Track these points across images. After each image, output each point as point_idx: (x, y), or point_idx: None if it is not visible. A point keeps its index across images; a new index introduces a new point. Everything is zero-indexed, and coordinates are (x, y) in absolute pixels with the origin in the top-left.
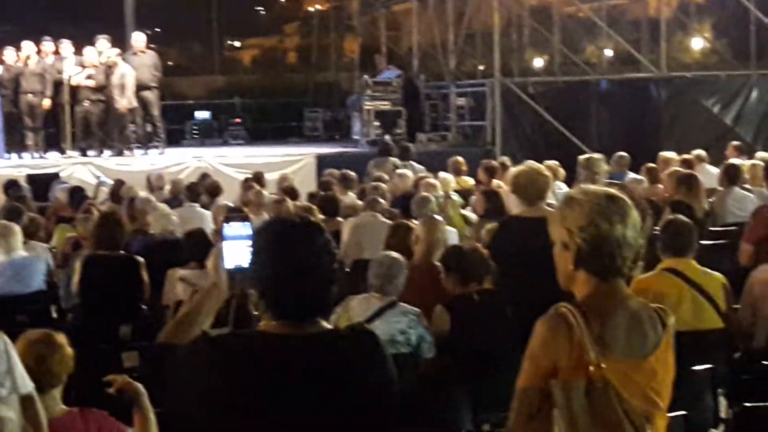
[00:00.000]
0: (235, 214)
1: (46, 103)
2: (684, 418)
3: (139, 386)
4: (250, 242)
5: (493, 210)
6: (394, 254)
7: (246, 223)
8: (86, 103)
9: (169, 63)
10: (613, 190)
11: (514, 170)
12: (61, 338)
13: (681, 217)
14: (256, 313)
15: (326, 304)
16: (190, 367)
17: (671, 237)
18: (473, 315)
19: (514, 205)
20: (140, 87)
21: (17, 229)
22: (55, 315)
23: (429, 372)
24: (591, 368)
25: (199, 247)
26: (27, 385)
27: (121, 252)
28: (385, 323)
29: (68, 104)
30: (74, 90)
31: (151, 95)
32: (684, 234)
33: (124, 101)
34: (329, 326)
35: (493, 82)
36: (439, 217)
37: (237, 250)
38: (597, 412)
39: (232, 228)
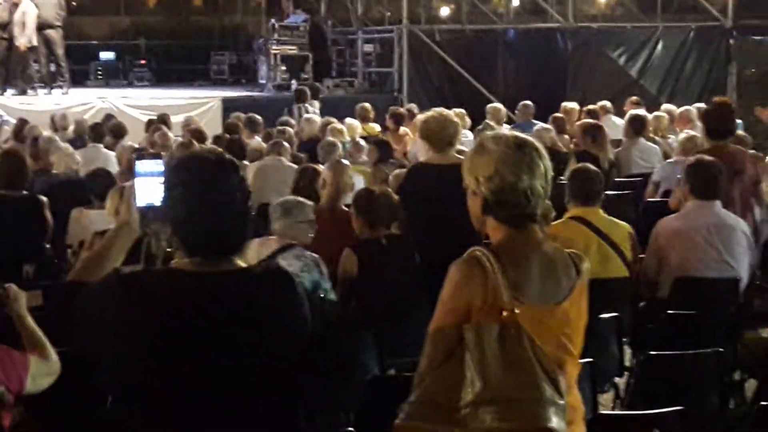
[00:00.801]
0: (146, 151)
1: None
2: (591, 366)
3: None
4: (162, 179)
5: (383, 158)
6: (297, 198)
7: (158, 160)
8: None
9: (74, 3)
10: (525, 137)
11: (423, 116)
12: None
13: (588, 165)
14: (169, 250)
15: (240, 242)
16: (101, 304)
17: (578, 186)
18: (381, 259)
19: (422, 152)
20: (44, 25)
21: None
22: None
23: (335, 315)
24: (504, 313)
25: (104, 186)
26: None
27: (24, 191)
28: None
29: None
30: None
31: (54, 34)
32: (591, 183)
33: (24, 39)
34: (243, 265)
35: (400, 29)
36: (346, 162)
37: (148, 188)
38: (509, 356)
39: (144, 165)
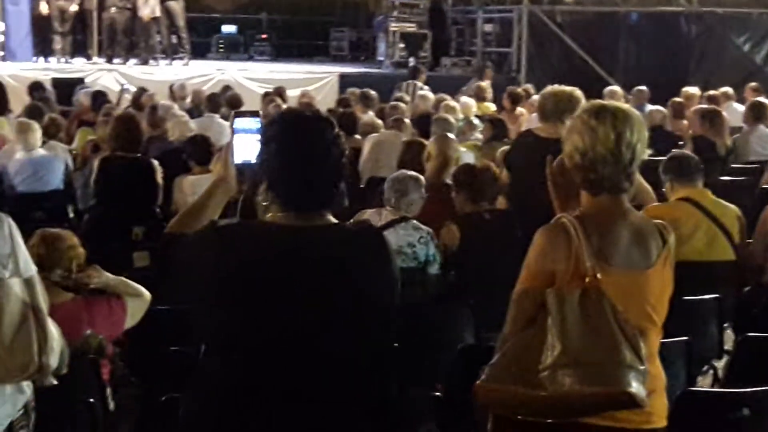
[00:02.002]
0: (245, 110)
1: (74, 8)
2: (687, 345)
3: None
4: (259, 137)
5: (496, 137)
6: (412, 173)
7: (256, 118)
8: (113, 10)
9: None
10: (605, 104)
11: (546, 88)
12: (71, 238)
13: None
14: (265, 204)
15: (333, 197)
16: (196, 254)
17: (679, 167)
18: (483, 233)
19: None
20: None
21: (36, 126)
22: (71, 215)
23: (434, 286)
24: (587, 278)
25: (202, 152)
26: (30, 269)
27: (138, 155)
28: (395, 235)
29: (95, 10)
30: None
31: (176, 5)
32: (690, 163)
33: (147, 10)
34: (335, 221)
35: (521, 9)
36: (452, 136)
37: (246, 145)
38: (589, 321)
39: (242, 122)
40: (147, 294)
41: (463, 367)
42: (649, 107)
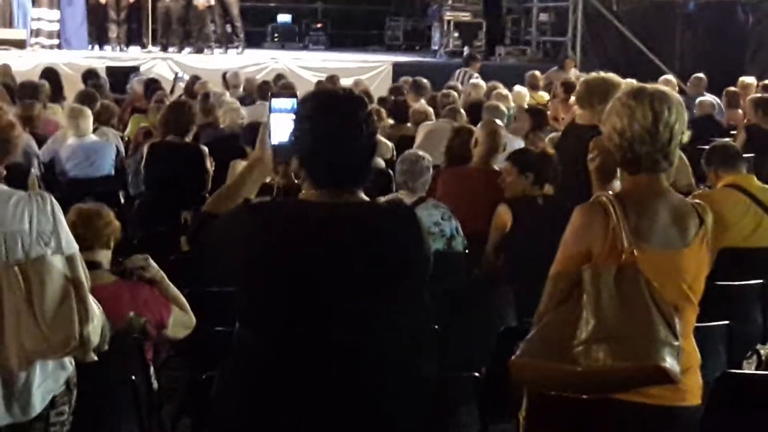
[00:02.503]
0: (283, 90)
1: None
2: (728, 329)
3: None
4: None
5: (537, 126)
6: (420, 152)
7: (293, 99)
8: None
9: None
10: (645, 86)
11: (587, 76)
12: (109, 214)
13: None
14: (297, 181)
15: (365, 176)
16: (230, 231)
17: (721, 155)
18: (535, 217)
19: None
20: None
21: (88, 112)
22: (122, 201)
23: (481, 269)
24: (623, 256)
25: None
26: (71, 246)
27: (187, 141)
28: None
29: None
30: None
31: None
32: (732, 150)
33: None
34: (367, 198)
35: None
36: (500, 122)
37: (283, 126)
38: (625, 297)
39: (279, 102)
40: (193, 320)
41: (505, 349)
42: (704, 97)
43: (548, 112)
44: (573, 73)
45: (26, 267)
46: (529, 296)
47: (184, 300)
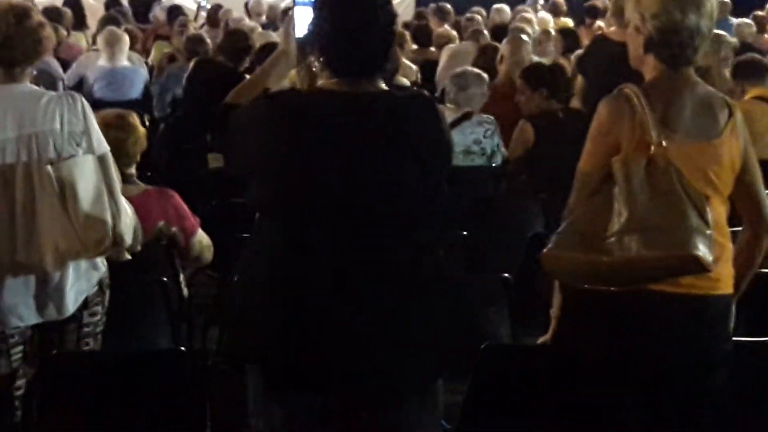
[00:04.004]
0: None
1: None
2: None
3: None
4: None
5: (569, 48)
6: (474, 69)
7: None
8: None
9: None
10: None
11: None
12: (134, 118)
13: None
14: (315, 70)
15: (383, 63)
16: (250, 121)
17: (748, 68)
18: (556, 131)
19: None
20: None
21: (126, 39)
22: (147, 124)
23: (507, 182)
24: (652, 147)
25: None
26: (103, 146)
27: (233, 66)
28: (461, 134)
29: None
30: None
31: None
32: (759, 63)
33: None
34: (386, 87)
35: None
36: (525, 37)
37: (307, 18)
38: (656, 189)
39: None
40: (211, 250)
41: (534, 253)
42: (734, 20)
43: None
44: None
45: (58, 166)
46: (557, 207)
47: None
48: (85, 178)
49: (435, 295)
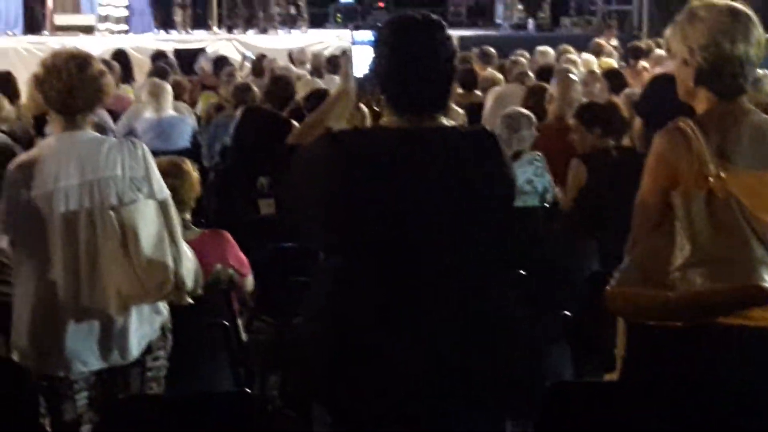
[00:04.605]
0: (366, 20)
1: None
2: None
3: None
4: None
5: (615, 89)
6: (523, 110)
7: (374, 31)
8: None
9: None
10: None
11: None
12: (188, 165)
13: None
14: (377, 109)
15: (444, 100)
16: (313, 160)
17: None
18: (610, 170)
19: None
20: None
21: (169, 89)
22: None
23: (560, 222)
24: (711, 179)
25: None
26: (164, 191)
27: (279, 112)
28: None
29: None
30: None
31: None
32: None
33: None
34: (448, 123)
35: None
36: (574, 77)
37: (365, 58)
38: (717, 219)
39: (360, 34)
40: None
41: (593, 291)
42: None
43: None
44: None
45: (120, 212)
46: (612, 245)
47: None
48: (147, 222)
49: (497, 334)
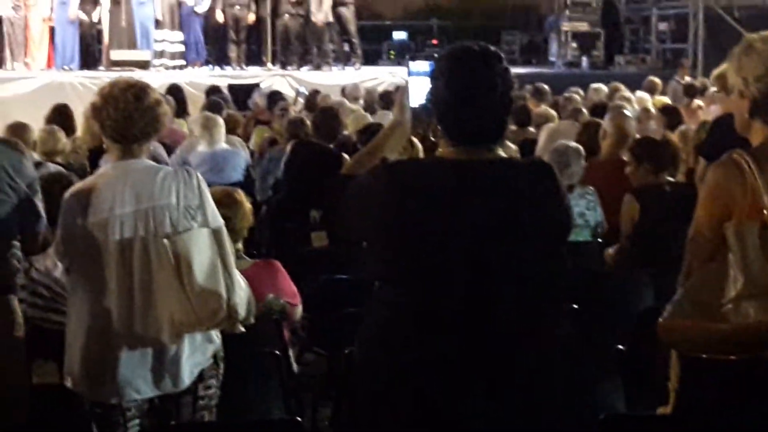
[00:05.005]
0: (421, 53)
1: (251, 17)
2: None
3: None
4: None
5: (672, 125)
6: (573, 144)
7: (431, 62)
8: (286, 17)
9: None
10: None
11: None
12: (240, 195)
13: None
14: (434, 139)
15: (501, 131)
16: (368, 190)
17: None
18: (663, 206)
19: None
20: (336, 2)
21: (221, 122)
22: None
23: (614, 257)
24: (765, 211)
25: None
26: (217, 220)
27: (329, 145)
28: None
29: (269, 18)
30: (276, 3)
31: (347, 11)
32: None
33: (321, 15)
34: (504, 155)
35: (696, 4)
36: (628, 112)
37: (422, 89)
38: None
39: (417, 65)
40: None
41: (646, 326)
42: None
43: None
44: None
45: (174, 240)
46: (666, 280)
47: None
48: (201, 251)
49: (551, 367)
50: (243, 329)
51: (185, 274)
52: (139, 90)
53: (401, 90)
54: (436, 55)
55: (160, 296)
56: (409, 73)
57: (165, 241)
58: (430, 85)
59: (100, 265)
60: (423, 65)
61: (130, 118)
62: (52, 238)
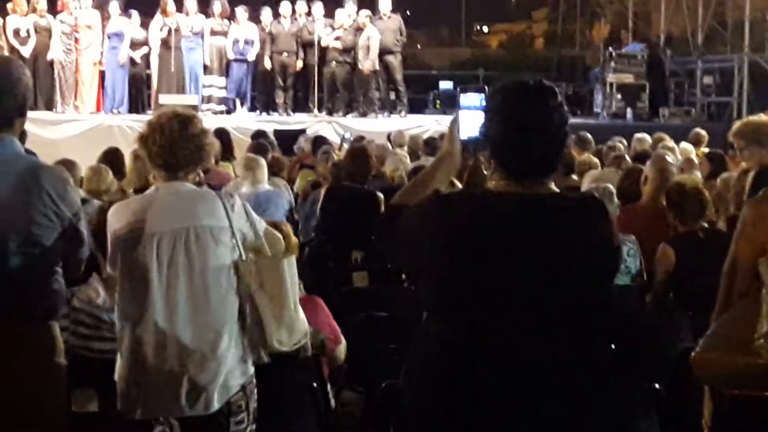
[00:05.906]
0: (472, 85)
1: (299, 64)
2: None
3: None
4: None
5: (715, 173)
6: (606, 185)
7: (481, 94)
8: (333, 64)
9: (418, 46)
10: None
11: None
12: (287, 227)
13: None
14: (486, 172)
15: (554, 166)
16: (419, 221)
17: None
18: (698, 252)
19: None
20: (384, 51)
21: (263, 162)
22: None
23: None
24: None
25: None
26: (265, 244)
27: (363, 186)
28: None
29: (316, 65)
30: (323, 51)
31: (393, 60)
32: None
33: (368, 63)
34: (557, 189)
35: (741, 58)
36: (669, 158)
37: (471, 121)
38: None
39: (467, 98)
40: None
41: (683, 367)
42: None
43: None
44: None
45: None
46: (704, 324)
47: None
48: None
49: (599, 405)
50: (266, 359)
51: (230, 296)
52: (185, 119)
53: (451, 122)
54: (487, 88)
55: (203, 314)
56: (459, 107)
57: (209, 260)
58: (484, 118)
59: (147, 283)
60: (474, 98)
61: (173, 146)
62: (101, 266)
